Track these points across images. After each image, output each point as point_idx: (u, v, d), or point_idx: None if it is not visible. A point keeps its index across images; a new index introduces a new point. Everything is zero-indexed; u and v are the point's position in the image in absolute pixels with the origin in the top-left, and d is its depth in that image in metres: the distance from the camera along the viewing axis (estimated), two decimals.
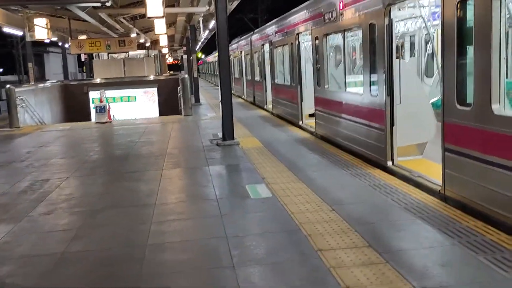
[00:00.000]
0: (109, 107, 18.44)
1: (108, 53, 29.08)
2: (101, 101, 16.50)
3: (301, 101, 12.32)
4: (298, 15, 11.92)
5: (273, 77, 15.58)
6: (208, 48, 66.59)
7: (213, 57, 45.92)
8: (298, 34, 12.00)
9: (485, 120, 4.59)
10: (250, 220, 5.09)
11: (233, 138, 10.19)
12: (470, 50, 4.81)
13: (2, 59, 51.37)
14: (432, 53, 11.72)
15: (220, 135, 11.28)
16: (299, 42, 12.12)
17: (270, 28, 15.78)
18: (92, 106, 21.87)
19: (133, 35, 18.03)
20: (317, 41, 10.23)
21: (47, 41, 23.17)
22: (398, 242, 4.26)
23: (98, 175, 7.80)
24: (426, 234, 4.40)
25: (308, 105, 12.33)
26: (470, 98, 4.84)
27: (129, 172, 7.89)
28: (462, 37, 4.95)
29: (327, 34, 9.66)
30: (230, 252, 4.22)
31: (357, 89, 8.33)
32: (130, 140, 11.73)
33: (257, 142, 10.24)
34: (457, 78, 5.03)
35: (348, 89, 8.79)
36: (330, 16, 9.13)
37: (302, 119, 12.40)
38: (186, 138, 11.75)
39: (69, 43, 18.27)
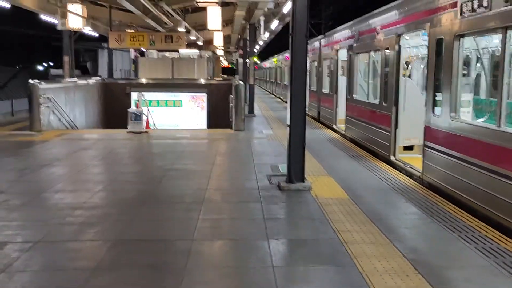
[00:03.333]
0: (148, 113, 15.73)
1: (158, 51, 26.62)
2: (137, 106, 13.69)
3: (396, 128, 8.93)
4: (402, 10, 8.58)
5: (350, 91, 12.23)
6: (264, 54, 63.69)
7: (270, 63, 43.02)
8: (399, 36, 8.65)
9: None
10: None
11: (302, 180, 6.96)
12: None
13: (56, 53, 50.41)
14: None
15: (281, 168, 8.16)
16: (399, 47, 8.75)
17: (350, 30, 12.47)
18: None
19: (181, 29, 15.21)
20: (441, 45, 6.85)
21: (93, 34, 20.88)
22: None
23: (80, 245, 4.71)
24: None
25: (405, 134, 8.97)
26: None
27: (137, 241, 4.78)
28: None
29: (463, 35, 6.26)
30: None
31: None
32: (161, 165, 8.75)
33: (336, 187, 6.97)
34: None
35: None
36: (476, 4, 5.74)
37: (395, 153, 9.00)
38: (235, 168, 8.61)
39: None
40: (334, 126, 14.29)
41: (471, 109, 7.23)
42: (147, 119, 15.45)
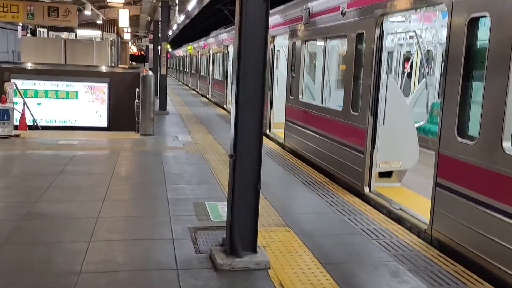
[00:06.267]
0: (25, 108, 12.03)
1: (49, 30, 22.23)
2: (3, 101, 9.93)
3: (373, 147, 6.29)
4: None
5: (292, 91, 9.48)
6: (177, 41, 59.36)
7: (184, 51, 39.57)
8: (382, 15, 5.98)
9: None
10: None
11: (254, 250, 4.04)
12: None
13: None
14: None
15: (210, 211, 5.28)
16: (382, 33, 6.08)
17: (294, 11, 9.69)
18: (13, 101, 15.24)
19: None
20: (476, 27, 4.25)
21: None
22: None
23: None
24: None
25: (383, 156, 6.38)
26: None
27: None
28: None
29: None
30: None
31: None
32: (17, 203, 5.41)
33: (308, 258, 4.15)
34: None
35: None
36: None
37: (370, 183, 6.35)
38: (138, 212, 5.47)
39: None
40: (268, 132, 11.50)
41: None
42: (23, 117, 11.72)
